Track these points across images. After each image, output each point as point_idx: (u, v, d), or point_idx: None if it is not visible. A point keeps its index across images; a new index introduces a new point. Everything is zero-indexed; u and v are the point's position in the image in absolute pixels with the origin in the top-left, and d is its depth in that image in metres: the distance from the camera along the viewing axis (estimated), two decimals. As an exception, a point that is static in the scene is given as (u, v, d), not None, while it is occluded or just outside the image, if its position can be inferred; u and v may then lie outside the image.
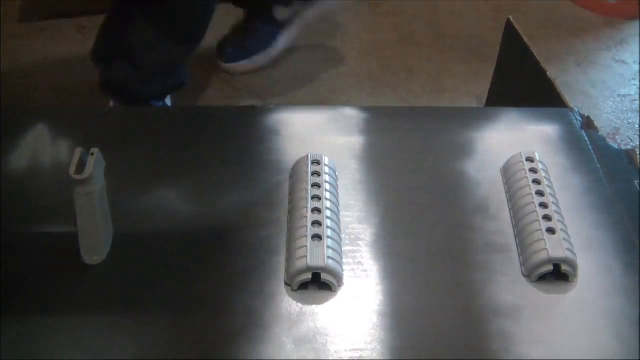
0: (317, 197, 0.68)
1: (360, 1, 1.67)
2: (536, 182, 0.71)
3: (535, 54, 0.99)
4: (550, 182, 0.73)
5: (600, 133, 0.84)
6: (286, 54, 1.49)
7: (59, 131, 0.81)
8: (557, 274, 0.65)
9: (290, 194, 0.72)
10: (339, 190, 0.73)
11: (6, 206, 0.70)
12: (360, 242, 0.69)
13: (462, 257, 0.68)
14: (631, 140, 1.32)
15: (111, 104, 1.30)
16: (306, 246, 0.63)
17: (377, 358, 0.59)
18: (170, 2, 1.20)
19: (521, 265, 0.67)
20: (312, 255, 0.62)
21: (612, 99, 1.42)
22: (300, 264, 0.62)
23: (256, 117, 0.84)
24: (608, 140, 0.83)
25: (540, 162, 0.74)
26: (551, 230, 0.66)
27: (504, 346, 0.60)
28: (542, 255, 0.64)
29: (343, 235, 0.69)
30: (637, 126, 1.35)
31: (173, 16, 1.22)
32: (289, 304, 0.63)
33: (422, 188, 0.75)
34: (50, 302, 0.62)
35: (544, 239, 0.65)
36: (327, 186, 0.70)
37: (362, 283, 0.65)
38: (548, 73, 0.95)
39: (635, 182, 0.77)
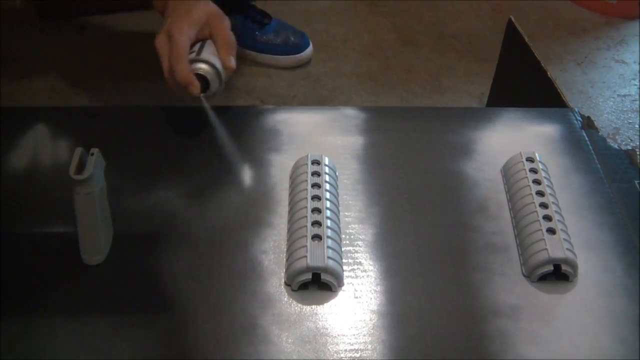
0: (317, 197, 0.68)
1: (360, 1, 1.67)
2: (536, 182, 0.71)
3: (536, 54, 0.99)
4: (551, 182, 0.73)
5: (600, 133, 0.84)
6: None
7: (59, 131, 0.81)
8: (557, 274, 0.65)
9: (290, 194, 0.72)
10: (339, 190, 0.73)
11: (6, 206, 0.70)
12: (360, 242, 0.69)
13: (462, 257, 0.68)
14: (631, 140, 1.32)
15: None
16: (306, 246, 0.63)
17: (377, 358, 0.59)
18: None
19: (521, 265, 0.67)
20: (312, 256, 0.62)
21: (612, 99, 1.42)
22: (300, 264, 0.62)
23: (256, 117, 0.84)
24: (608, 140, 0.83)
25: (540, 162, 0.74)
26: (551, 231, 0.66)
27: (504, 346, 0.60)
28: (542, 256, 0.64)
29: (343, 235, 0.69)
30: (637, 126, 1.35)
31: None
32: (289, 304, 0.63)
33: (422, 188, 0.75)
34: (50, 302, 0.62)
35: (544, 239, 0.65)
36: (327, 186, 0.70)
37: (362, 283, 0.65)
38: (549, 73, 0.95)
39: (635, 182, 0.77)
